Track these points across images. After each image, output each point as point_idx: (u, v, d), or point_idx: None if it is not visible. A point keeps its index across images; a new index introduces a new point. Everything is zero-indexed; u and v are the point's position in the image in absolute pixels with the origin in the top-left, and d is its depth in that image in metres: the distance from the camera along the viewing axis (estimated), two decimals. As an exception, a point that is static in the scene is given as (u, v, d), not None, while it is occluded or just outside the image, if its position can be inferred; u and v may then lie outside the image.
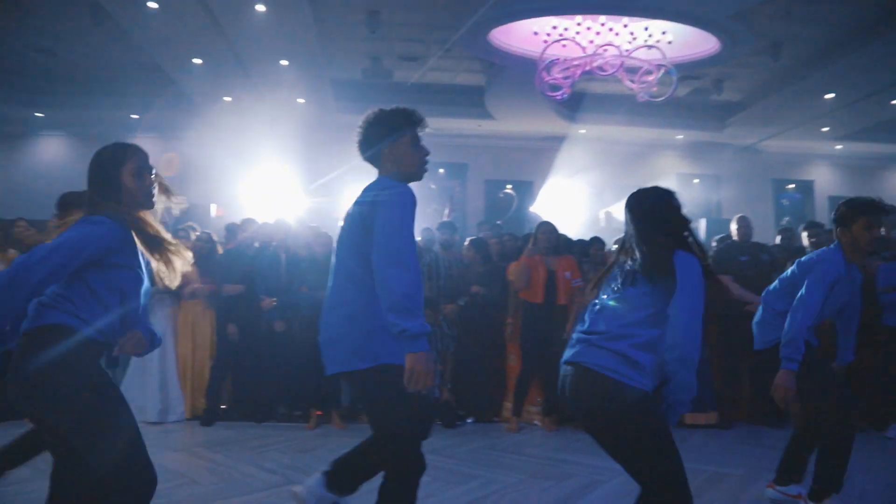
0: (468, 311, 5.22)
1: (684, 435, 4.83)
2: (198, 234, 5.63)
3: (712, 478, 3.80)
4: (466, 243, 5.49)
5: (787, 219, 12.73)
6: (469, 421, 5.26)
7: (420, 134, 2.55)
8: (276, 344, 5.07)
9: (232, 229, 5.75)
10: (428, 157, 2.55)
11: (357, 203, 2.37)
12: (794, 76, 10.62)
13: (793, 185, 14.68)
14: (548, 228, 5.12)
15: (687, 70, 9.84)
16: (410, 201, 2.28)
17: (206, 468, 3.85)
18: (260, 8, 8.23)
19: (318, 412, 5.06)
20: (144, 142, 9.50)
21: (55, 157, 13.31)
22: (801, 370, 2.89)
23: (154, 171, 2.19)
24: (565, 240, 5.60)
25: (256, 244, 5.47)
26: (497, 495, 3.40)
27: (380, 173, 2.50)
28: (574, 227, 9.36)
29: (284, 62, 10.00)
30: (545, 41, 8.60)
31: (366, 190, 2.40)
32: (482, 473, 3.76)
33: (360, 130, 2.57)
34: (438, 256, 5.48)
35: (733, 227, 5.47)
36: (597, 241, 5.75)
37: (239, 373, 5.24)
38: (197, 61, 9.98)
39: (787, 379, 2.88)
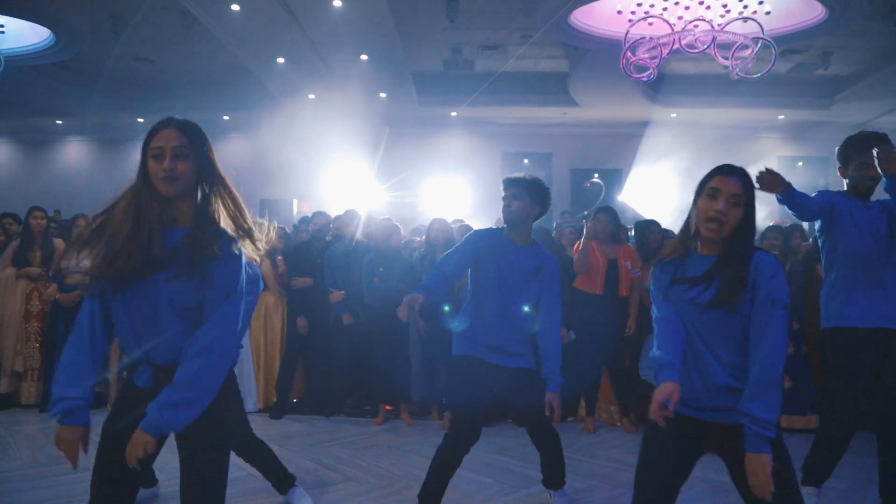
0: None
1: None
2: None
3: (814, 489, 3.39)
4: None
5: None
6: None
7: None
8: (345, 337, 5.03)
9: (304, 222, 5.76)
10: None
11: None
12: (914, 44, 9.59)
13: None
14: (607, 216, 4.82)
15: (788, 43, 9.08)
16: None
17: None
18: (337, 3, 8.28)
19: (388, 407, 4.99)
20: (233, 141, 9.88)
21: (156, 159, 14.03)
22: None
23: None
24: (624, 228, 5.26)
25: (328, 237, 5.46)
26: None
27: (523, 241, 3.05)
28: (665, 214, 8.87)
29: (364, 57, 10.06)
30: (630, 20, 8.16)
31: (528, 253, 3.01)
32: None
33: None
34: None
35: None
36: (653, 224, 5.26)
37: (309, 366, 5.26)
38: (280, 60, 10.21)
39: None
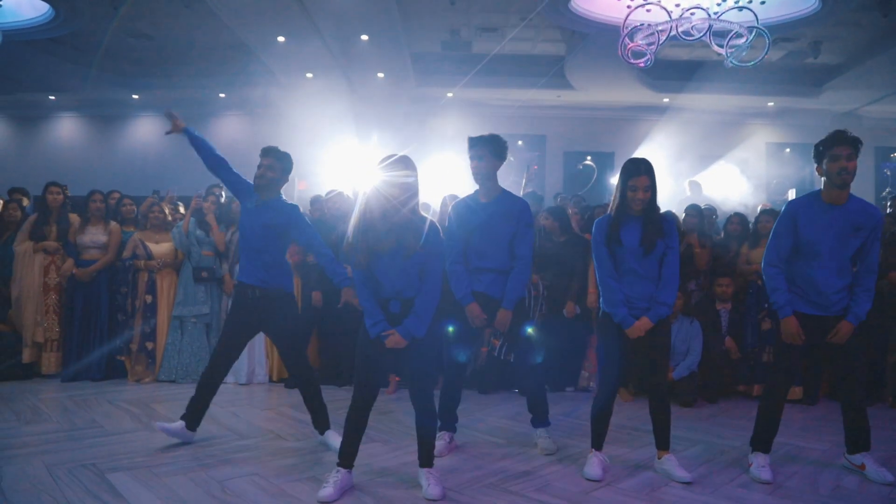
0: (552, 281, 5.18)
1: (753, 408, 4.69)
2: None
3: (793, 452, 3.70)
4: (544, 212, 5.44)
5: (888, 189, 11.89)
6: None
7: None
8: (357, 310, 5.21)
9: (317, 201, 5.93)
10: None
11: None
12: (903, 34, 9.83)
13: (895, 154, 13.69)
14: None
15: (782, 31, 9.29)
16: None
17: (290, 426, 4.07)
18: (341, -17, 8.35)
19: (397, 378, 5.20)
20: (231, 119, 9.92)
21: (150, 136, 14.02)
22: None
23: None
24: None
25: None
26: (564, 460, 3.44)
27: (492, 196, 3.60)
28: (659, 197, 9.08)
29: (365, 37, 10.13)
30: (629, 6, 8.31)
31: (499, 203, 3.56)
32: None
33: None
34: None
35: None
36: None
37: (322, 338, 5.45)
38: (281, 39, 10.25)
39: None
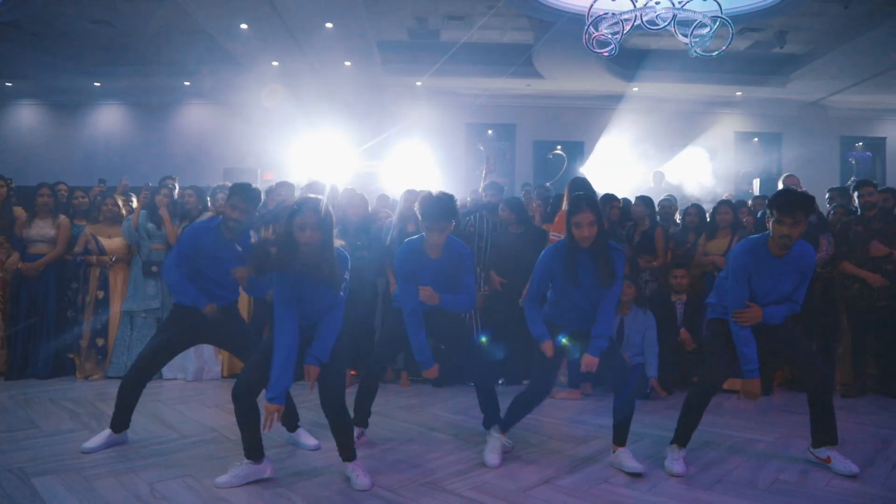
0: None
1: (719, 400, 4.69)
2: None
3: (740, 443, 3.70)
4: (502, 204, 5.39)
5: (852, 179, 12.03)
6: (500, 382, 5.26)
7: None
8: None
9: (269, 192, 5.81)
10: None
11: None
12: (865, 24, 9.89)
13: (861, 144, 13.86)
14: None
15: (747, 21, 9.31)
16: None
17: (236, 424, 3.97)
18: (301, -31, 8.19)
19: (352, 372, 5.14)
20: (196, 108, 9.74)
21: (112, 125, 13.73)
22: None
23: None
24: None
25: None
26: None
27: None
28: (626, 187, 9.11)
29: (329, 25, 9.96)
30: (594, -5, 8.25)
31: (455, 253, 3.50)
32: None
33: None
34: (483, 218, 5.44)
35: (780, 186, 5.20)
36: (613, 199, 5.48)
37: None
38: (244, 26, 10.05)
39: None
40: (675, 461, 3.23)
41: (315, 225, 2.85)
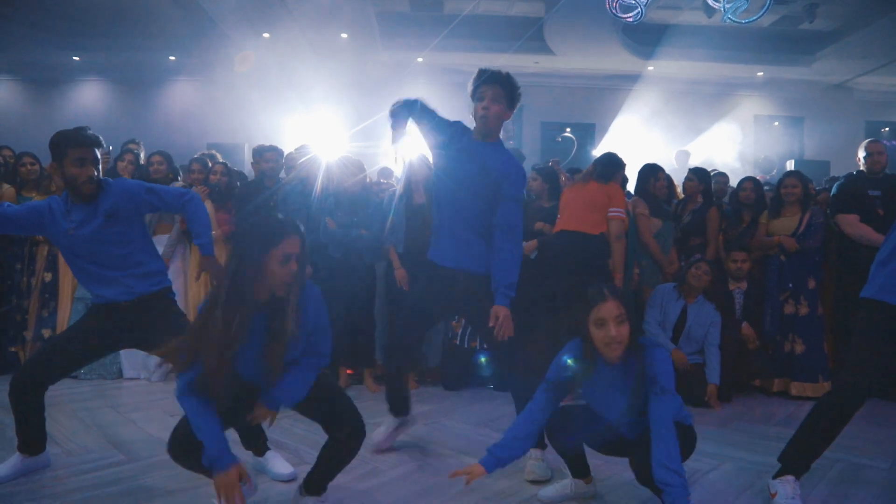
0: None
1: (790, 410, 3.93)
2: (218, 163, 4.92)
3: (849, 470, 2.91)
4: (532, 173, 4.61)
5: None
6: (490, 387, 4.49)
7: None
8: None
9: (257, 153, 4.98)
10: None
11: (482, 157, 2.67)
12: (903, -2, 9.15)
13: (887, 129, 13.12)
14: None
15: (779, -12, 8.54)
16: None
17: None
18: (294, -79, 7.36)
19: (349, 371, 4.36)
20: (183, 84, 8.84)
21: (94, 102, 12.90)
22: None
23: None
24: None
25: (282, 175, 4.74)
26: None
27: (490, 138, 2.76)
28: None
29: (324, -11, 9.14)
30: (616, -47, 7.47)
31: (487, 149, 2.71)
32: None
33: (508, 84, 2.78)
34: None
35: (860, 154, 4.41)
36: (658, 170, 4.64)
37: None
38: (231, -9, 9.22)
39: None
40: (790, 499, 2.43)
41: (300, 252, 2.09)
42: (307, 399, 2.19)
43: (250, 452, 2.75)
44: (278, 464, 2.71)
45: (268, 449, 2.76)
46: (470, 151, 2.70)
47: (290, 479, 2.64)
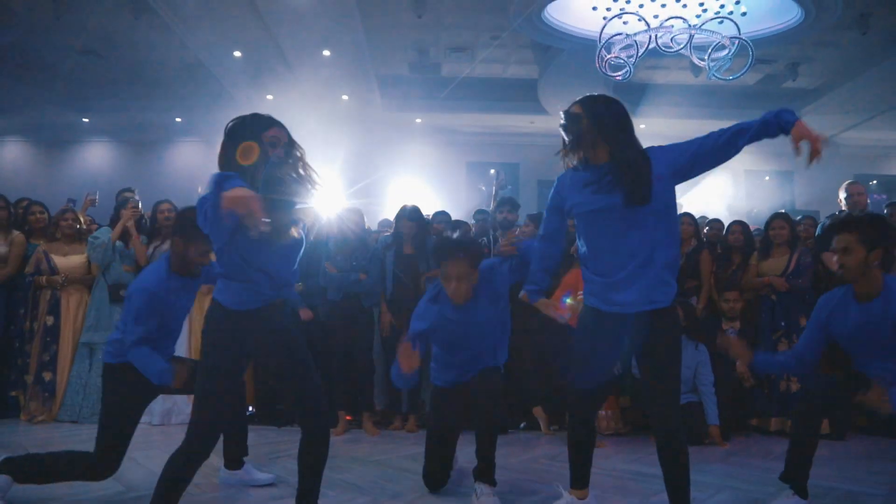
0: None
1: (772, 445, 3.94)
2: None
3: (843, 498, 2.94)
4: (526, 220, 4.79)
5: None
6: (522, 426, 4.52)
7: None
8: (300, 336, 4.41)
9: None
10: None
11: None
12: (881, 54, 9.54)
13: (875, 182, 13.42)
14: None
15: (762, 47, 8.92)
16: None
17: (203, 474, 3.18)
18: (299, -11, 7.77)
19: (348, 417, 4.38)
20: (186, 145, 9.11)
21: (100, 161, 13.24)
22: None
23: None
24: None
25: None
26: None
27: None
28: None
29: (327, 52, 9.55)
30: (605, 17, 7.87)
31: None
32: (541, 487, 3.00)
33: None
34: (498, 240, 4.80)
35: (842, 195, 4.57)
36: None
37: (258, 371, 4.55)
38: (237, 54, 9.63)
39: None
40: None
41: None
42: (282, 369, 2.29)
43: (231, 470, 3.03)
44: (256, 473, 3.04)
45: (244, 463, 3.05)
46: None
47: (268, 484, 2.99)
